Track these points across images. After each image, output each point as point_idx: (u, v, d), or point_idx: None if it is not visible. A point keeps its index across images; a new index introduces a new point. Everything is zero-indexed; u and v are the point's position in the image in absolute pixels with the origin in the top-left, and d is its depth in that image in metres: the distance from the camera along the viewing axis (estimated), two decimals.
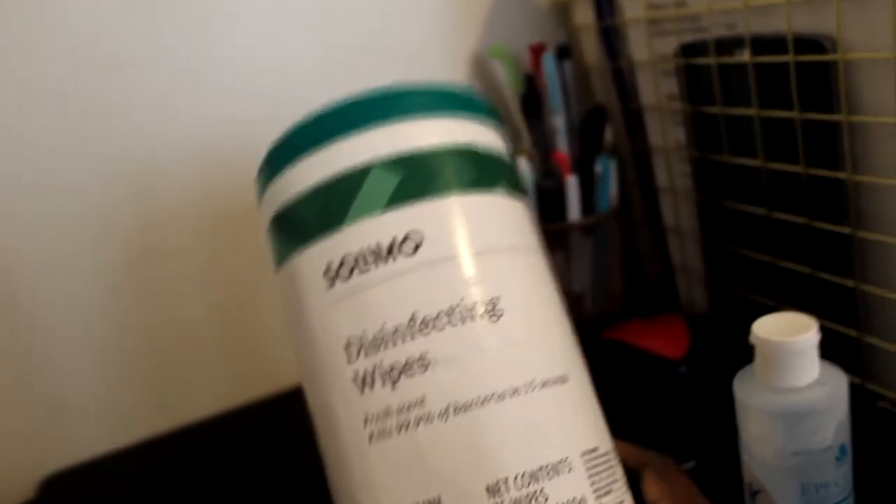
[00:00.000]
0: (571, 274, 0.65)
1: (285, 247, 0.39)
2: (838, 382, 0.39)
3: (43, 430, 0.63)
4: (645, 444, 0.46)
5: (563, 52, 0.67)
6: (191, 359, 0.66)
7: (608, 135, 0.65)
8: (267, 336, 0.68)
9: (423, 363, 0.35)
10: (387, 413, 0.35)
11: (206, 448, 0.62)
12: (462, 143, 0.39)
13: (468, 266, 0.37)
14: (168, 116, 0.62)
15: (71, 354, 0.63)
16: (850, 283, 0.50)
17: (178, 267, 0.64)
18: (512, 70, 0.68)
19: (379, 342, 0.36)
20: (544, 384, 0.36)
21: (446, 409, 0.34)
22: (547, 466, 0.34)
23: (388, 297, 0.36)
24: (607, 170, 0.63)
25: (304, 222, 0.38)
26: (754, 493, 0.41)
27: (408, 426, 0.35)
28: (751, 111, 0.52)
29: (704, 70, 0.55)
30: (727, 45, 0.52)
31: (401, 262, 0.36)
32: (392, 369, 0.35)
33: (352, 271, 0.37)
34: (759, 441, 0.39)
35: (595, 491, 0.35)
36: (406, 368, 0.35)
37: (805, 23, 0.46)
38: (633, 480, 0.42)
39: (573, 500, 0.34)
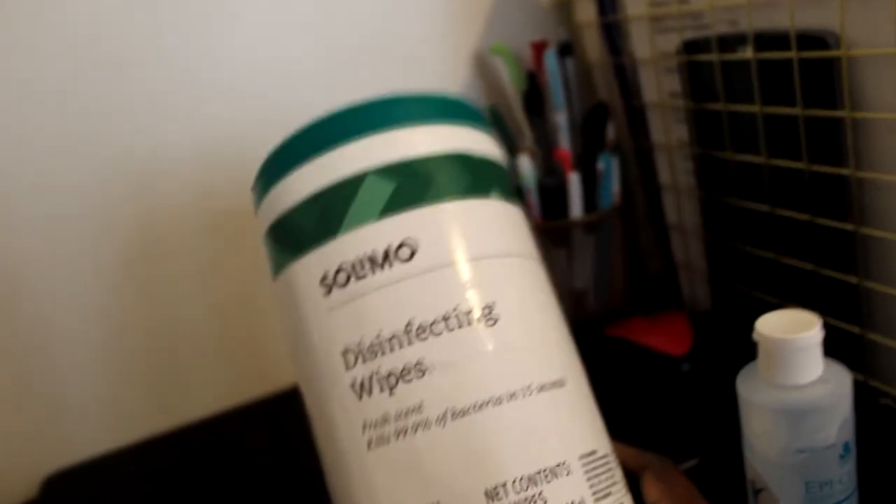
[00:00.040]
0: (574, 271, 0.65)
1: (282, 255, 0.40)
2: (842, 380, 0.38)
3: (43, 430, 0.63)
4: (648, 442, 0.46)
5: (565, 49, 0.66)
6: (191, 358, 0.66)
7: (610, 132, 0.64)
8: (267, 336, 0.68)
9: (421, 369, 0.35)
10: (385, 419, 0.35)
11: (206, 447, 0.62)
12: (455, 150, 0.40)
13: (463, 272, 0.37)
14: (168, 116, 0.62)
15: (71, 354, 0.63)
16: (853, 279, 0.49)
17: (178, 267, 0.64)
18: (514, 67, 0.67)
19: (376, 349, 0.36)
20: (541, 388, 0.36)
21: (444, 415, 0.35)
22: (545, 470, 0.34)
23: (384, 303, 0.36)
24: (609, 167, 0.63)
25: (300, 231, 0.39)
26: (757, 491, 0.41)
27: (406, 432, 0.35)
28: (754, 108, 0.52)
29: (707, 67, 0.55)
30: (730, 42, 0.52)
31: (397, 269, 0.36)
32: (390, 375, 0.35)
33: (348, 279, 0.37)
34: (763, 438, 0.39)
35: (594, 494, 0.35)
36: (403, 374, 0.35)
37: (808, 19, 0.46)
38: (633, 482, 0.42)
39: (572, 503, 0.34)
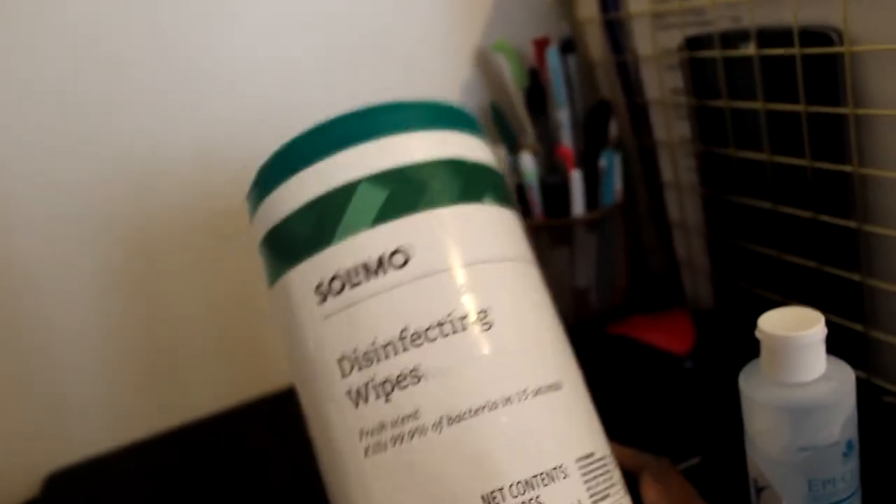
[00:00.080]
0: (576, 269, 0.65)
1: (278, 264, 0.40)
2: (845, 377, 0.38)
3: (44, 430, 0.63)
4: (650, 440, 0.46)
5: (568, 47, 0.66)
6: (190, 358, 0.66)
7: (613, 129, 0.64)
8: (266, 335, 0.68)
9: (416, 375, 0.35)
10: (381, 427, 0.35)
11: (205, 446, 0.62)
12: (448, 156, 0.40)
13: (458, 277, 0.37)
14: (168, 116, 0.62)
15: (71, 354, 0.63)
16: (856, 277, 0.49)
17: (178, 267, 0.64)
18: (516, 65, 0.67)
19: (372, 356, 0.36)
20: (537, 392, 0.36)
21: (440, 421, 0.35)
22: (542, 474, 0.34)
23: (379, 310, 0.36)
24: (612, 164, 0.63)
25: (295, 239, 0.39)
26: (760, 490, 0.40)
27: (402, 439, 0.35)
28: (756, 104, 0.52)
29: (710, 63, 0.55)
30: (732, 38, 0.52)
31: (391, 276, 0.36)
32: (385, 382, 0.36)
33: (343, 286, 0.37)
34: (765, 436, 0.39)
35: (592, 496, 0.35)
36: (399, 381, 0.35)
37: (811, 15, 0.46)
38: (631, 483, 0.42)
39: None
